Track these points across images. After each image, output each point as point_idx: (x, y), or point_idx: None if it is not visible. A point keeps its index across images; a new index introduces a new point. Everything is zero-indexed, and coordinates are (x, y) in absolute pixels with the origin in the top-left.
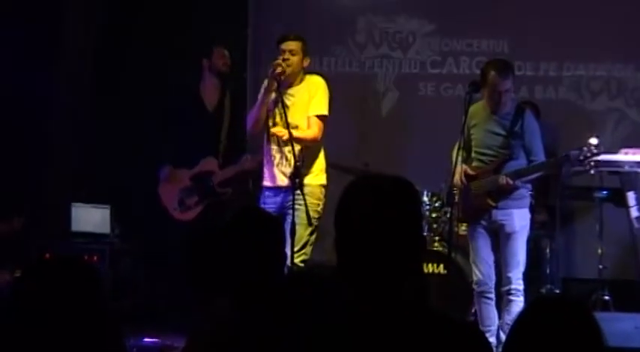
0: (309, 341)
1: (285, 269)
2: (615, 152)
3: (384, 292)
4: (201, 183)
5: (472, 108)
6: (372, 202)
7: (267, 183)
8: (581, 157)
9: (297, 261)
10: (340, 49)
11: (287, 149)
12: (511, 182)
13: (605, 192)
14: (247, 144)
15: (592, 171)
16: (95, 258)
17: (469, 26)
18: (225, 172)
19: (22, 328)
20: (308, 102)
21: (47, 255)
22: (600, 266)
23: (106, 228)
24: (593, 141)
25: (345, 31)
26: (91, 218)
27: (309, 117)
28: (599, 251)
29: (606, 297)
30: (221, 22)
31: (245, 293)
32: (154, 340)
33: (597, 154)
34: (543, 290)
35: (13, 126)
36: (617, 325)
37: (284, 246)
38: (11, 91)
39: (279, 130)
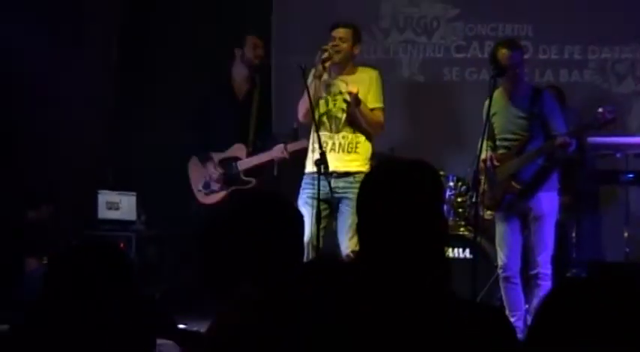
0: (312, 340)
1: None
2: None
3: (406, 276)
4: (228, 168)
5: (493, 99)
6: (394, 186)
7: (326, 174)
8: (597, 124)
9: (353, 247)
10: (364, 34)
11: (340, 135)
12: (568, 139)
13: (631, 175)
14: (275, 135)
15: (617, 154)
16: (122, 244)
17: (493, 10)
18: (251, 160)
19: (53, 312)
20: (365, 94)
21: (77, 242)
22: (627, 250)
23: (132, 215)
24: (608, 107)
25: (369, 17)
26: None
27: (373, 109)
28: (625, 234)
29: None
30: (247, 9)
31: (246, 292)
32: (180, 326)
33: (614, 119)
34: (569, 275)
35: (40, 115)
36: None
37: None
38: (40, 83)
39: (349, 85)
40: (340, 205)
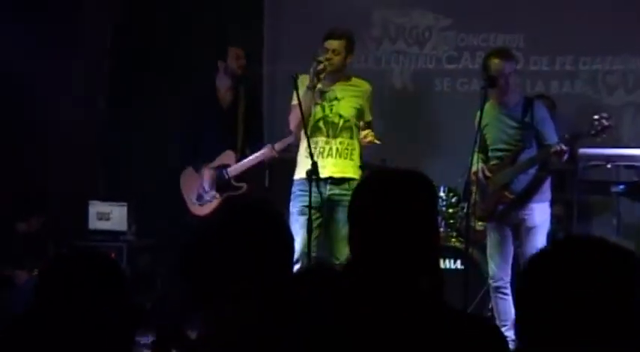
0: (310, 342)
1: (293, 265)
2: (632, 146)
3: (399, 286)
4: (219, 177)
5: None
6: (388, 196)
7: (317, 186)
8: (593, 131)
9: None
10: (356, 44)
11: (338, 141)
12: (563, 147)
13: (622, 186)
14: (265, 141)
15: (608, 165)
16: (112, 255)
17: (485, 21)
18: (241, 165)
19: (45, 322)
20: (362, 106)
21: (68, 251)
22: None
23: (123, 226)
24: (604, 114)
25: (360, 26)
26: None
27: (368, 122)
28: None
29: None
30: (238, 16)
31: (243, 295)
32: None
33: (610, 127)
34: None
35: (31, 125)
36: None
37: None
38: (30, 90)
39: (371, 135)
40: (335, 213)
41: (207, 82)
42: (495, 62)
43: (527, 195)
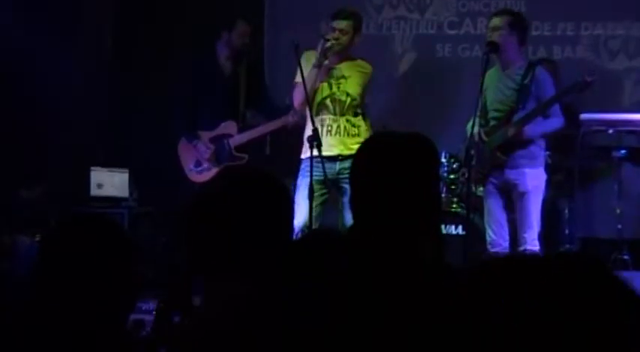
0: (311, 310)
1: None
2: (634, 111)
3: (401, 249)
4: (219, 146)
5: (486, 76)
6: (390, 158)
7: (320, 152)
8: (578, 87)
9: None
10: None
11: (344, 118)
12: (589, 78)
13: (623, 152)
14: (266, 109)
15: (610, 131)
16: None
17: None
18: (243, 136)
19: (47, 288)
20: (362, 86)
21: (72, 216)
22: (619, 226)
23: (124, 192)
24: (588, 70)
25: None
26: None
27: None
28: (618, 211)
29: (625, 257)
30: None
31: (242, 264)
32: None
33: (593, 82)
34: (561, 250)
35: (32, 93)
36: (635, 284)
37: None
38: (30, 59)
39: None
40: (346, 189)
41: (209, 49)
42: (493, 20)
43: (519, 159)
